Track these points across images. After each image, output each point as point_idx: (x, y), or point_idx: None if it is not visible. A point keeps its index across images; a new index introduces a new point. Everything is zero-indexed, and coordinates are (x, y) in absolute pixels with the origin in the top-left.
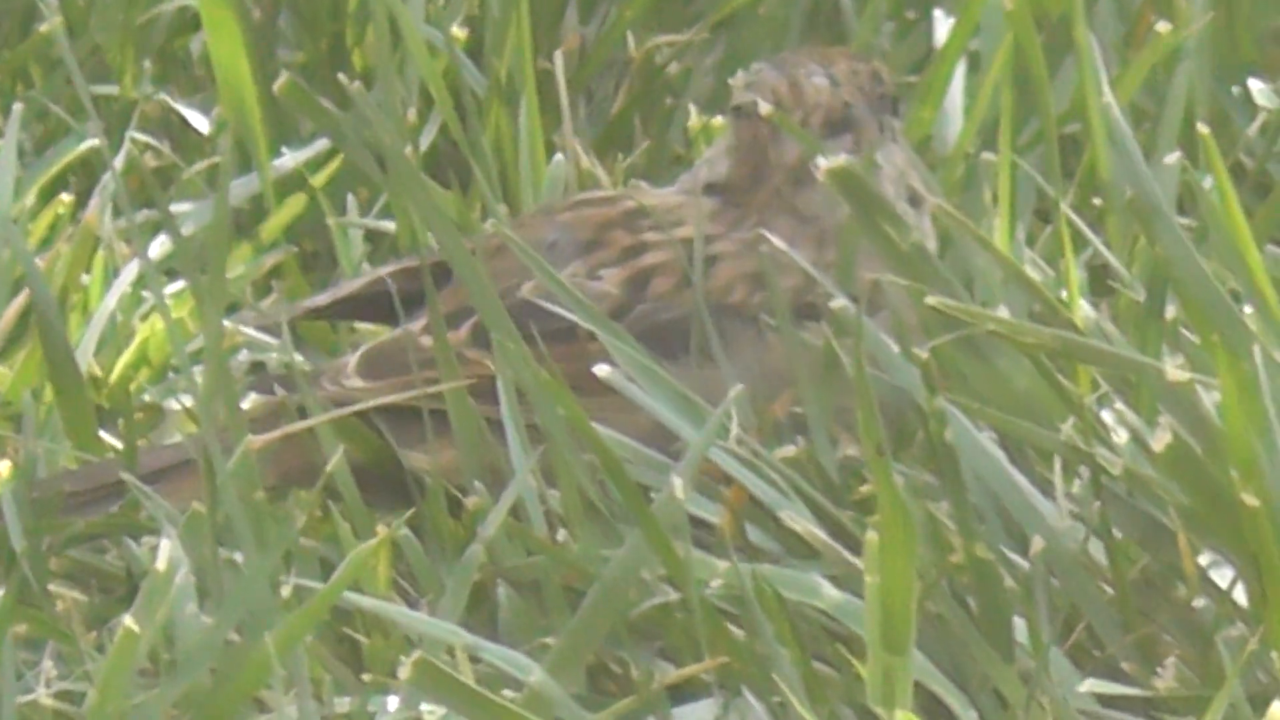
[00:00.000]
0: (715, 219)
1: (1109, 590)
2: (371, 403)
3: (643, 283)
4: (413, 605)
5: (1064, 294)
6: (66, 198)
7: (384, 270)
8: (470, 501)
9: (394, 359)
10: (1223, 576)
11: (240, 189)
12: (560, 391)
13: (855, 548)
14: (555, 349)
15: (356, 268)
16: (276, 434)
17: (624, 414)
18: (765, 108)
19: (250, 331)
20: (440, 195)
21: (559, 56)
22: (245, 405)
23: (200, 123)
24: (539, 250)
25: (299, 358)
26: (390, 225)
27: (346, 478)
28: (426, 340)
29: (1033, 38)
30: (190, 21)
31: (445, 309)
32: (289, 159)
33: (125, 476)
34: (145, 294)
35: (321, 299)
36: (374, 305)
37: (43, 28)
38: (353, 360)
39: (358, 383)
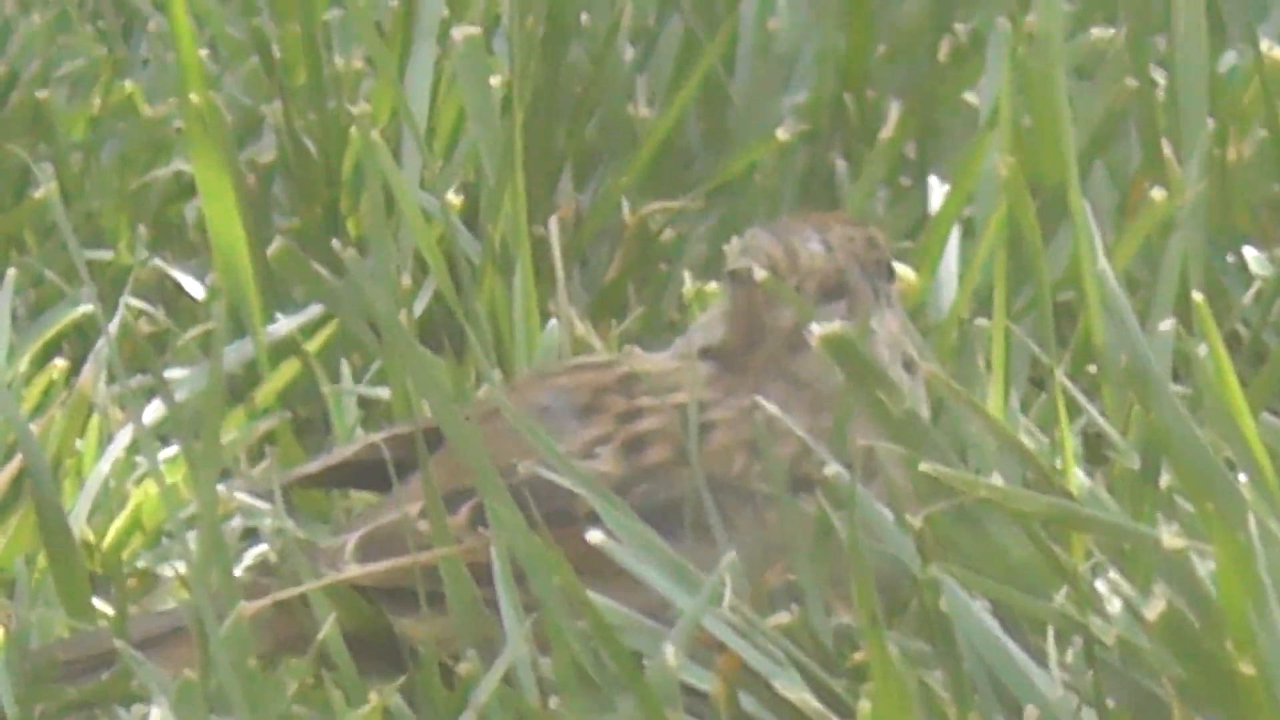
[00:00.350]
0: (711, 384)
1: None
2: (368, 580)
3: (638, 449)
4: None
5: (1058, 462)
6: (60, 363)
7: (376, 436)
8: (463, 668)
9: (392, 545)
10: None
11: (234, 355)
12: (554, 559)
13: (849, 716)
14: (553, 531)
15: (350, 434)
16: (268, 600)
17: (622, 591)
18: (760, 273)
19: (244, 497)
20: (434, 363)
21: (554, 223)
22: (238, 572)
23: (195, 288)
24: (533, 415)
25: (292, 525)
26: (384, 392)
27: (339, 646)
28: (424, 525)
29: (1027, 204)
30: (185, 187)
31: (442, 484)
32: (283, 325)
33: (117, 644)
34: (139, 459)
35: (313, 466)
36: (367, 472)
37: (37, 193)
38: (350, 544)
39: (355, 569)
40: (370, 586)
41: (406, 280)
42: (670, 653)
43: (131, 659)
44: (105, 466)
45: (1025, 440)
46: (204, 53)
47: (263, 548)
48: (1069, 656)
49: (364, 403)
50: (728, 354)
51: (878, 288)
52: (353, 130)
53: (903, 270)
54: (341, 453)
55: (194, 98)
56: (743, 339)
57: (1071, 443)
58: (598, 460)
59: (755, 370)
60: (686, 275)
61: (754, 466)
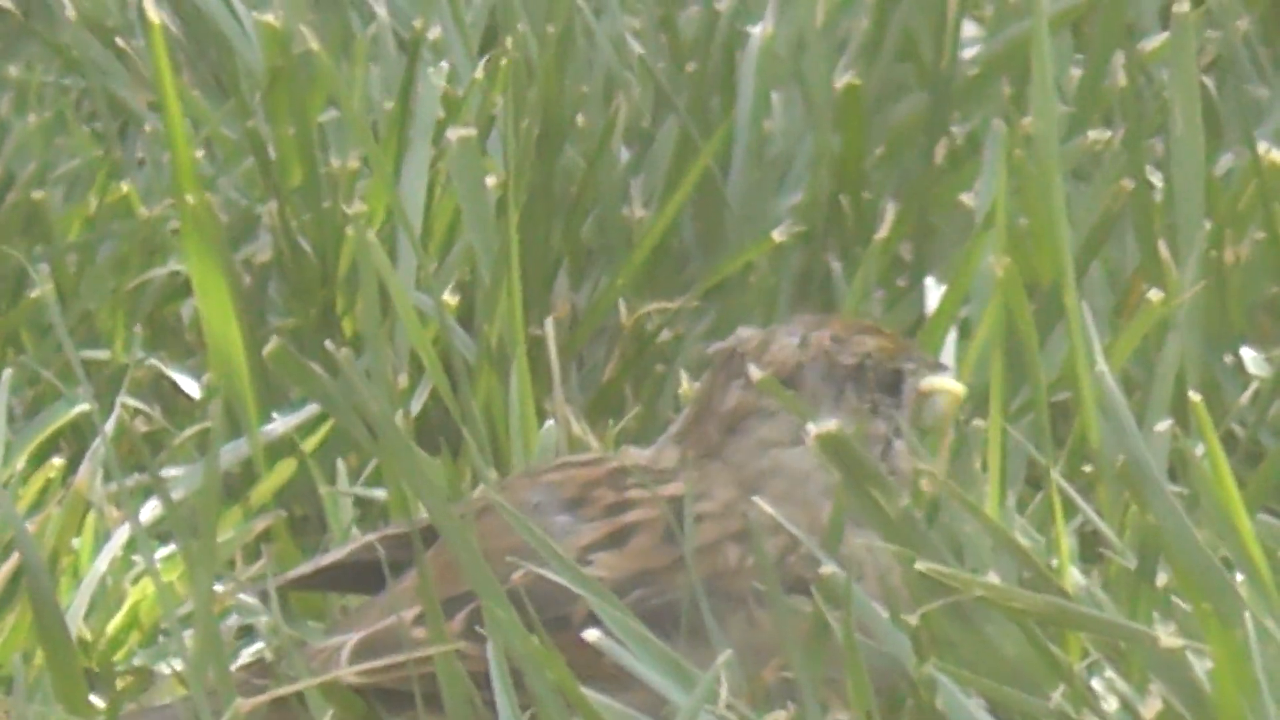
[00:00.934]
0: (689, 471)
1: None
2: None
3: (623, 539)
4: None
5: (1054, 561)
6: (57, 462)
7: (370, 537)
8: None
9: (387, 650)
10: None
11: (230, 454)
12: (549, 657)
13: None
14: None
15: (346, 533)
16: (266, 698)
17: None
18: (717, 348)
19: (241, 596)
20: (429, 463)
21: (550, 323)
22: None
23: (191, 388)
24: (524, 512)
25: (286, 625)
26: (380, 492)
27: None
28: (418, 633)
29: (1023, 305)
30: (181, 287)
31: (438, 588)
32: (279, 424)
33: None
34: (136, 558)
35: (306, 568)
36: (362, 572)
37: (33, 293)
38: (346, 650)
39: (350, 671)
40: (366, 687)
41: (403, 380)
42: None
43: None
44: (102, 564)
45: (1021, 540)
46: (199, 154)
47: (259, 646)
48: None
49: (360, 502)
50: (684, 436)
51: (844, 390)
52: (348, 230)
53: (939, 383)
54: (332, 555)
55: (190, 198)
56: (693, 419)
57: (1067, 542)
58: (593, 566)
59: (698, 449)
60: (683, 375)
61: (746, 560)
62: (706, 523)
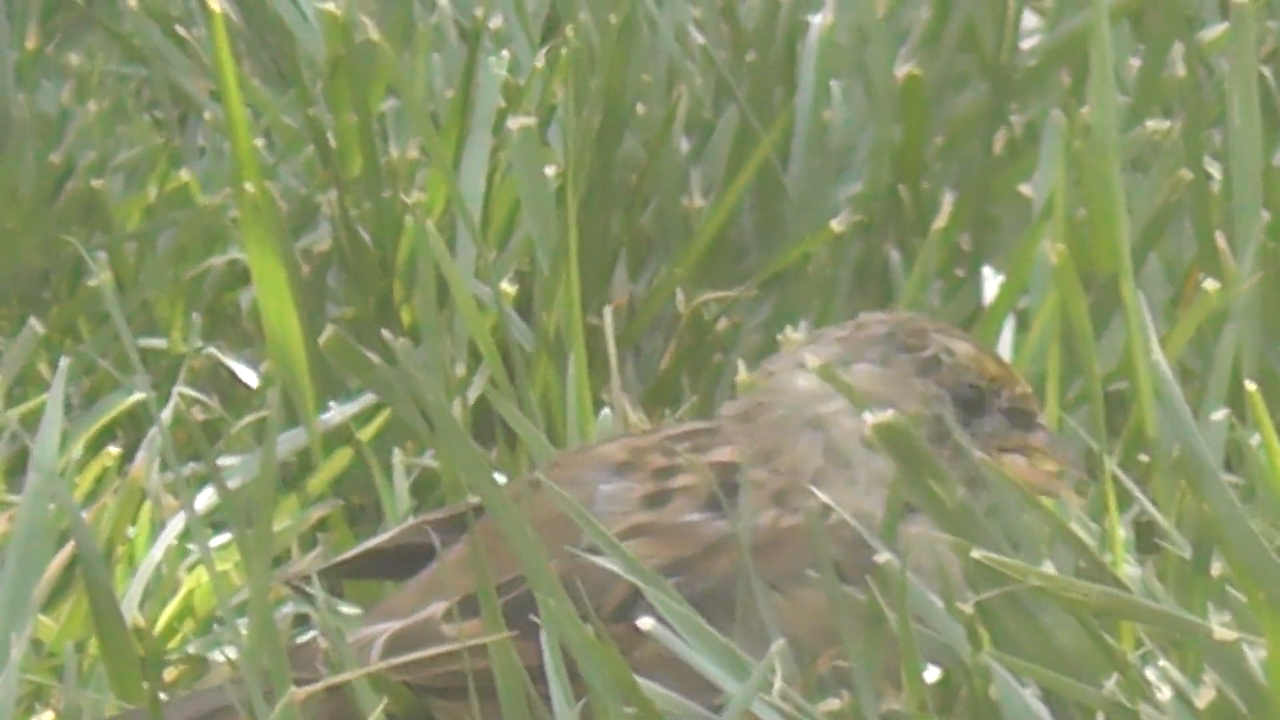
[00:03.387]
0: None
1: None
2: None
3: (663, 501)
4: None
5: (1109, 551)
6: (114, 450)
7: (409, 523)
8: None
9: (418, 645)
10: None
11: (287, 443)
12: (603, 649)
13: None
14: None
15: (403, 522)
16: (319, 686)
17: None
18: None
19: (295, 584)
20: (483, 455)
21: (608, 313)
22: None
23: (249, 377)
24: (572, 486)
25: (342, 609)
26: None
27: None
28: (448, 629)
29: (1079, 295)
30: (239, 276)
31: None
32: (336, 414)
33: None
34: (191, 546)
35: (349, 555)
36: (407, 558)
37: (91, 282)
38: (378, 646)
39: (398, 662)
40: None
41: (460, 369)
42: None
43: None
44: (157, 553)
45: (1077, 530)
46: (260, 142)
47: (313, 634)
48: None
49: (417, 490)
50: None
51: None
52: (407, 220)
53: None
54: (376, 540)
55: (249, 187)
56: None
57: (1123, 532)
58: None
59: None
60: (740, 365)
61: (782, 520)
62: (753, 490)
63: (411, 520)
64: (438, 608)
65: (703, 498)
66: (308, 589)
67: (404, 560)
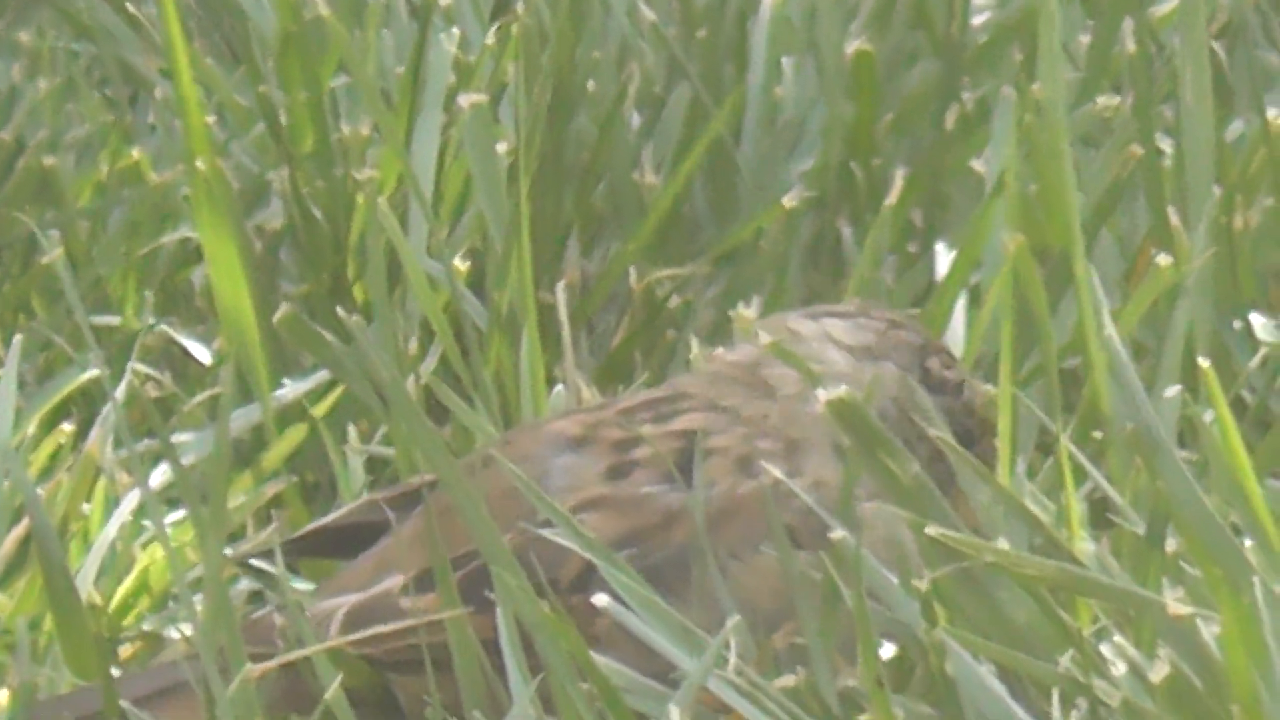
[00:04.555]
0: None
1: None
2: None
3: (623, 474)
4: None
5: (1064, 527)
6: (67, 428)
7: (362, 500)
8: None
9: (375, 619)
10: None
11: (241, 419)
12: (560, 625)
13: None
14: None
15: (357, 498)
16: (275, 662)
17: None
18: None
19: (254, 562)
20: (437, 432)
21: (561, 289)
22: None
23: (202, 354)
24: (524, 461)
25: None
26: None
27: (343, 707)
28: (405, 603)
29: (1033, 272)
30: (192, 254)
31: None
32: (290, 390)
33: (123, 703)
34: (146, 523)
35: (300, 533)
36: (362, 535)
37: (44, 260)
38: (336, 621)
39: (357, 637)
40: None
41: (413, 346)
42: (675, 715)
43: (136, 718)
44: (112, 530)
45: (1031, 506)
46: (211, 119)
47: (268, 609)
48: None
49: (371, 466)
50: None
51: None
52: (359, 197)
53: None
54: (327, 518)
55: (201, 164)
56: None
57: (1077, 508)
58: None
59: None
60: (693, 341)
61: (740, 486)
62: (715, 457)
63: (365, 497)
64: (394, 581)
65: (663, 469)
66: (265, 566)
67: (356, 538)
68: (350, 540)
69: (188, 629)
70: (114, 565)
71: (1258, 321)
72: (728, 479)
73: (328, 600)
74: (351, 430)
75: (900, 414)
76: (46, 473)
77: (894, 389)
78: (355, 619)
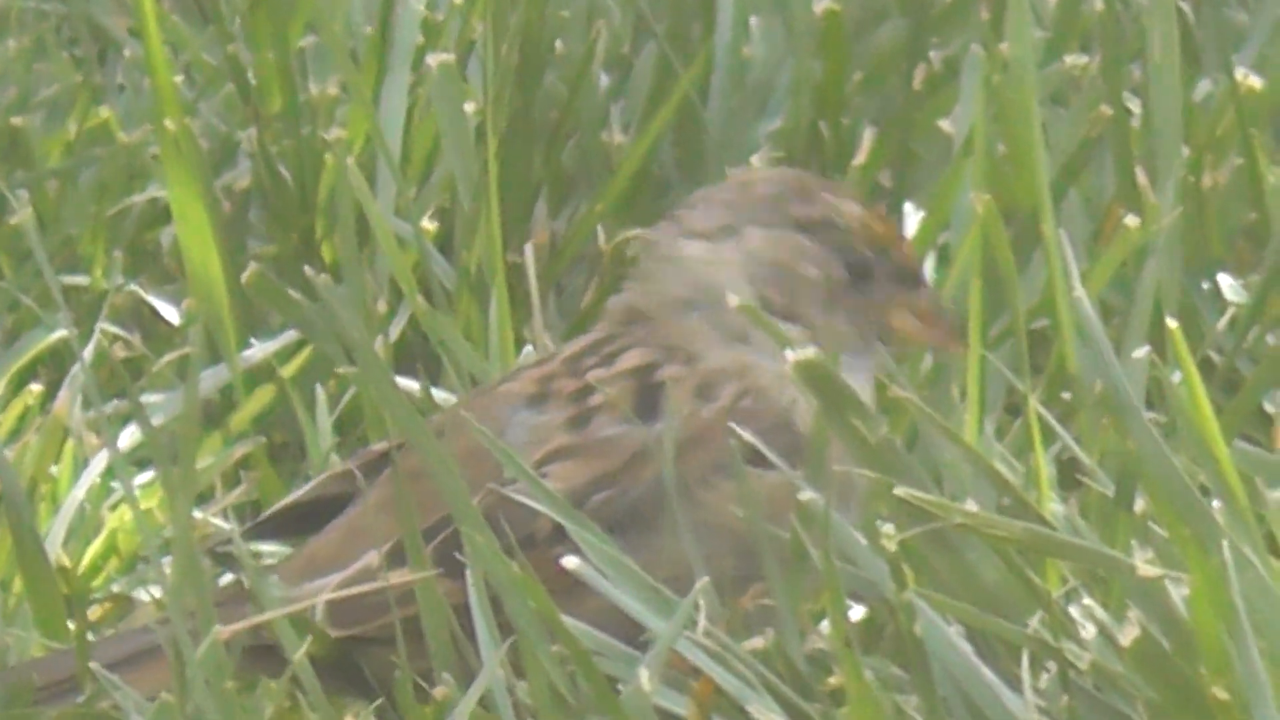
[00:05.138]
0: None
1: None
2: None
3: (585, 422)
4: None
5: (1033, 488)
6: (36, 388)
7: (319, 478)
8: (439, 692)
9: (359, 604)
10: None
11: (210, 380)
12: (529, 585)
13: None
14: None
15: (325, 459)
16: (244, 625)
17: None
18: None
19: (219, 522)
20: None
21: (529, 249)
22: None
23: (170, 314)
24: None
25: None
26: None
27: (309, 672)
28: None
29: (1001, 233)
30: (161, 214)
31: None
32: (258, 350)
33: (94, 667)
34: (114, 484)
35: (266, 514)
36: (329, 507)
37: (13, 219)
38: (321, 605)
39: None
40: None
41: (382, 306)
42: (645, 677)
43: (107, 682)
44: (81, 491)
45: (1000, 467)
46: (179, 79)
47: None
48: (1043, 681)
49: (339, 427)
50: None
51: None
52: (327, 157)
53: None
54: (294, 495)
55: (170, 124)
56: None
57: (1046, 469)
58: (549, 478)
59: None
60: None
61: (701, 413)
62: (671, 387)
63: (325, 472)
64: (369, 557)
65: (622, 410)
66: (233, 551)
67: (321, 513)
68: (315, 516)
69: (157, 591)
70: (82, 527)
71: (1226, 282)
72: (687, 407)
73: (307, 583)
74: (320, 390)
75: (789, 280)
76: (15, 434)
77: (768, 252)
78: (340, 606)
